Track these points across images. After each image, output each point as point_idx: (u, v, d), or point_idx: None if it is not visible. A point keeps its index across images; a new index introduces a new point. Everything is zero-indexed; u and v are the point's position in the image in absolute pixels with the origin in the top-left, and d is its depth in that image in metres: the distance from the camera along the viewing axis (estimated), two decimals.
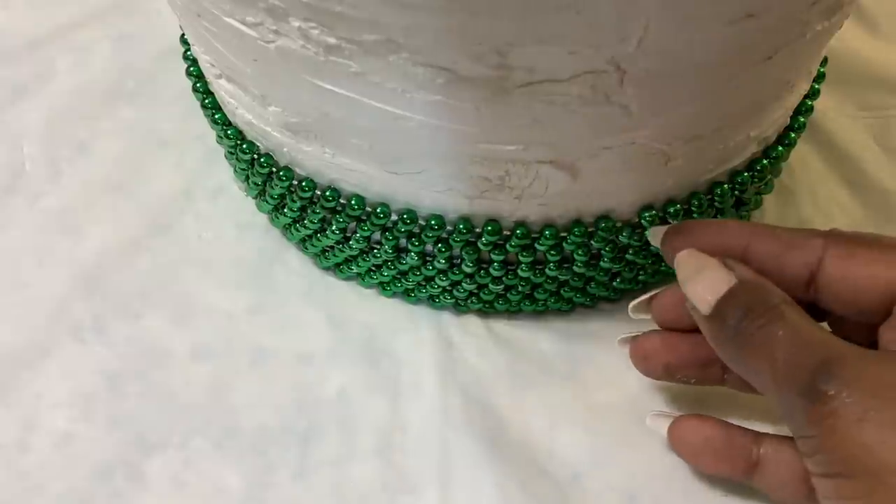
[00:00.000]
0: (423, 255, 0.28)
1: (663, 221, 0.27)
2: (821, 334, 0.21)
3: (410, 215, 0.26)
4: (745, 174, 0.28)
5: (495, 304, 0.30)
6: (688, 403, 0.29)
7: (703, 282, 0.24)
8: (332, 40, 0.21)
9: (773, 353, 0.21)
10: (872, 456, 0.19)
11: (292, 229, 0.31)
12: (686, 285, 0.24)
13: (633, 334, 0.28)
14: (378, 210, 0.27)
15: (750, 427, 0.26)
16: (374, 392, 0.30)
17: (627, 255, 0.28)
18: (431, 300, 0.31)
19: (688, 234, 0.25)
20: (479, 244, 0.27)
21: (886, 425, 0.19)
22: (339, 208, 0.27)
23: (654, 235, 0.26)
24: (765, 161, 0.28)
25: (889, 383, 0.20)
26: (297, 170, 0.28)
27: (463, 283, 0.29)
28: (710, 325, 0.23)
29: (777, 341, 0.21)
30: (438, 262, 0.28)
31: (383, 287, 0.31)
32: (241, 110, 0.28)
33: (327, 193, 0.27)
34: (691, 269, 0.24)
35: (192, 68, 0.31)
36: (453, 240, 0.27)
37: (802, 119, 0.29)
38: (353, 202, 0.27)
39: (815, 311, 0.24)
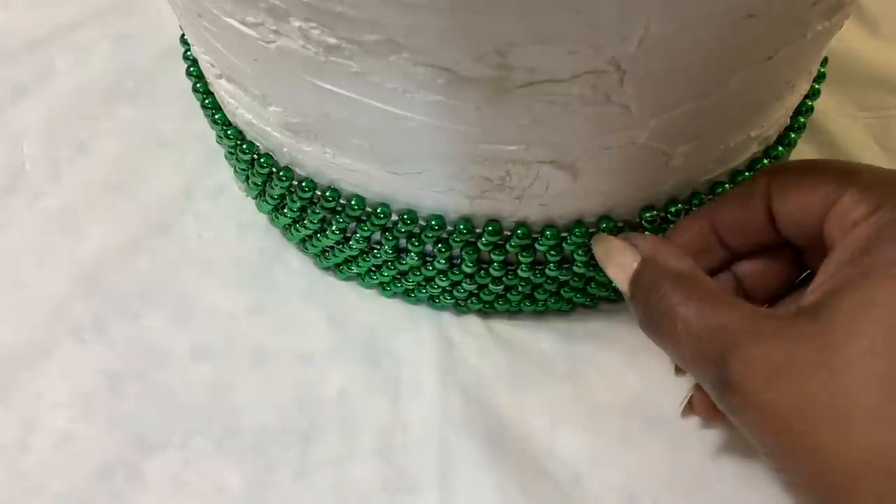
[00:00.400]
0: (423, 256, 0.28)
1: (664, 221, 0.27)
2: (717, 316, 0.21)
3: (411, 216, 0.26)
4: (746, 174, 0.28)
5: (495, 305, 0.30)
6: None
7: (615, 265, 0.24)
8: (332, 40, 0.21)
9: (679, 345, 0.21)
10: (784, 438, 0.19)
11: (292, 229, 0.31)
12: (606, 271, 0.24)
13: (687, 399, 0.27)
14: (378, 210, 0.27)
15: None
16: (374, 392, 0.30)
17: None
18: (431, 300, 0.31)
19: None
20: (479, 244, 0.27)
21: (792, 408, 0.19)
22: (339, 208, 0.27)
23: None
24: (765, 161, 0.28)
25: (783, 362, 0.19)
26: (298, 170, 0.28)
27: (463, 284, 0.29)
28: (632, 307, 0.23)
29: (678, 334, 0.21)
30: (438, 262, 0.28)
31: (383, 287, 0.31)
32: (241, 110, 0.27)
33: (327, 194, 0.27)
34: (603, 254, 0.24)
35: (192, 68, 0.31)
36: (453, 240, 0.27)
37: (803, 119, 0.29)
38: (353, 202, 0.27)
39: (797, 257, 0.24)
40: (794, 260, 0.25)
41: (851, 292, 0.19)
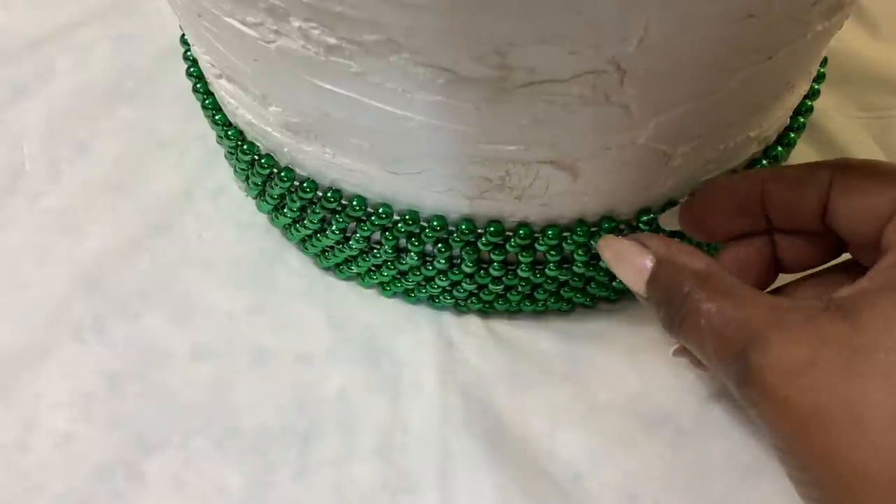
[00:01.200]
0: (422, 256, 0.28)
1: None
2: (741, 311, 0.21)
3: (412, 216, 0.26)
4: None
5: (495, 305, 0.30)
6: (689, 405, 0.29)
7: (626, 268, 0.24)
8: (332, 40, 0.21)
9: (702, 342, 0.21)
10: (798, 436, 0.19)
11: (292, 229, 0.31)
12: (616, 273, 0.24)
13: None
14: (380, 210, 0.27)
15: None
16: (374, 392, 0.30)
17: None
18: (431, 300, 0.31)
19: (701, 200, 0.25)
20: (479, 244, 0.27)
21: (810, 407, 0.19)
22: (340, 209, 0.27)
23: (670, 219, 0.26)
24: (765, 161, 0.28)
25: (807, 359, 0.19)
26: (298, 170, 0.28)
27: (463, 284, 0.29)
28: (649, 308, 0.23)
29: (702, 330, 0.21)
30: (438, 262, 0.28)
31: (383, 287, 0.31)
32: (241, 110, 0.28)
33: (329, 195, 0.27)
34: (612, 256, 0.24)
35: (192, 69, 0.31)
36: (453, 240, 0.27)
37: (802, 119, 0.29)
38: (354, 203, 0.27)
39: (839, 244, 0.23)
40: (836, 245, 0.24)
41: (888, 294, 0.19)
